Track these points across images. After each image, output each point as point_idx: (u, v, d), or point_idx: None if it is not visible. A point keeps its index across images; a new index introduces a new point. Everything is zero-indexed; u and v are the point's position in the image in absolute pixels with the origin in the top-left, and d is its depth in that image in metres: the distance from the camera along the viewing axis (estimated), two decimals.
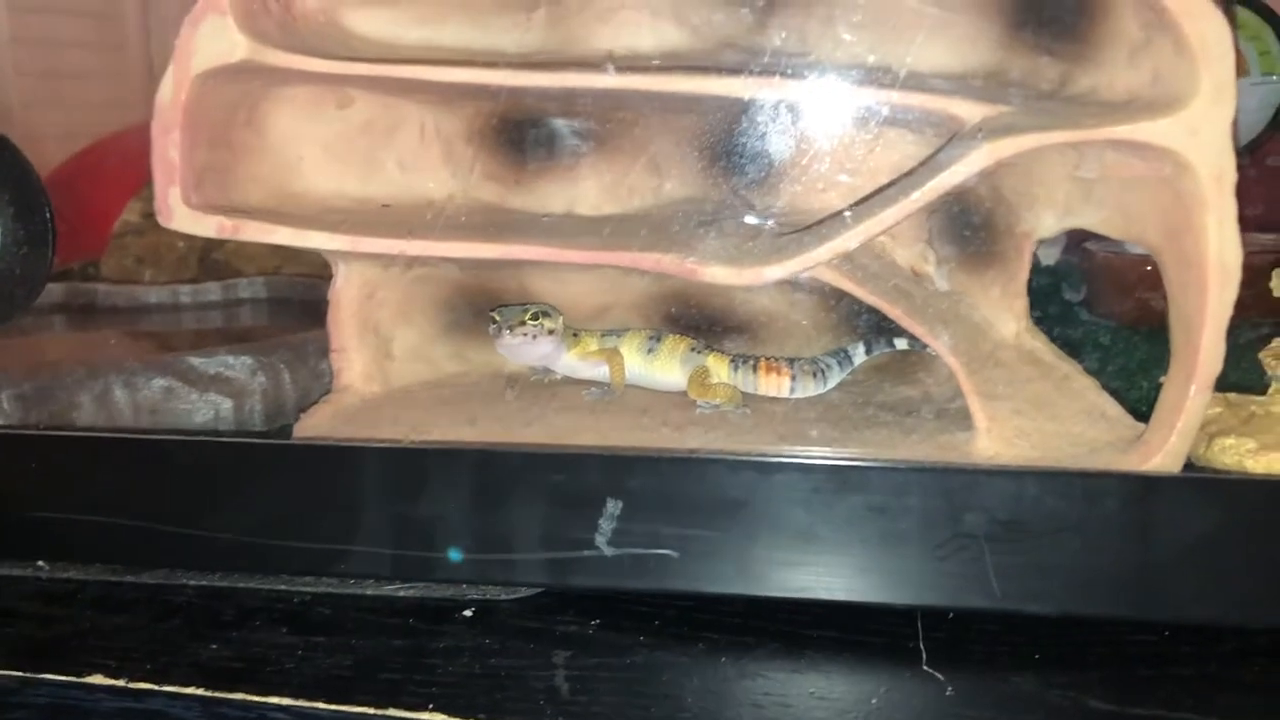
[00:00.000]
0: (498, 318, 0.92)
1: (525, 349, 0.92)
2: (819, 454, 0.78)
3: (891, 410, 0.87)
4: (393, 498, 0.81)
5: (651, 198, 0.94)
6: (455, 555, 0.80)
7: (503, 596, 0.81)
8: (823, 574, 0.76)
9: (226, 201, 0.86)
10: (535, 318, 0.91)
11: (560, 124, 0.94)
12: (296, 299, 1.32)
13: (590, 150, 0.95)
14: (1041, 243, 0.88)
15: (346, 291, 0.94)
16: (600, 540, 0.78)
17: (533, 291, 1.00)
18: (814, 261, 0.77)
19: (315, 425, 0.88)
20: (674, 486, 0.77)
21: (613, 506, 0.78)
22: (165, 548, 0.84)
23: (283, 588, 0.81)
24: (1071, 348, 0.89)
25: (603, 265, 0.83)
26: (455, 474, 0.80)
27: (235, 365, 0.96)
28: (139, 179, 1.60)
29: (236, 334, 1.25)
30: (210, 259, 1.44)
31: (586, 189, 0.95)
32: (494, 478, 0.80)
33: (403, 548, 0.81)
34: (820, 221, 0.84)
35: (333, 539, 0.81)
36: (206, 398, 0.95)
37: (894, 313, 0.81)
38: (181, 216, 0.81)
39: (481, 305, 1.00)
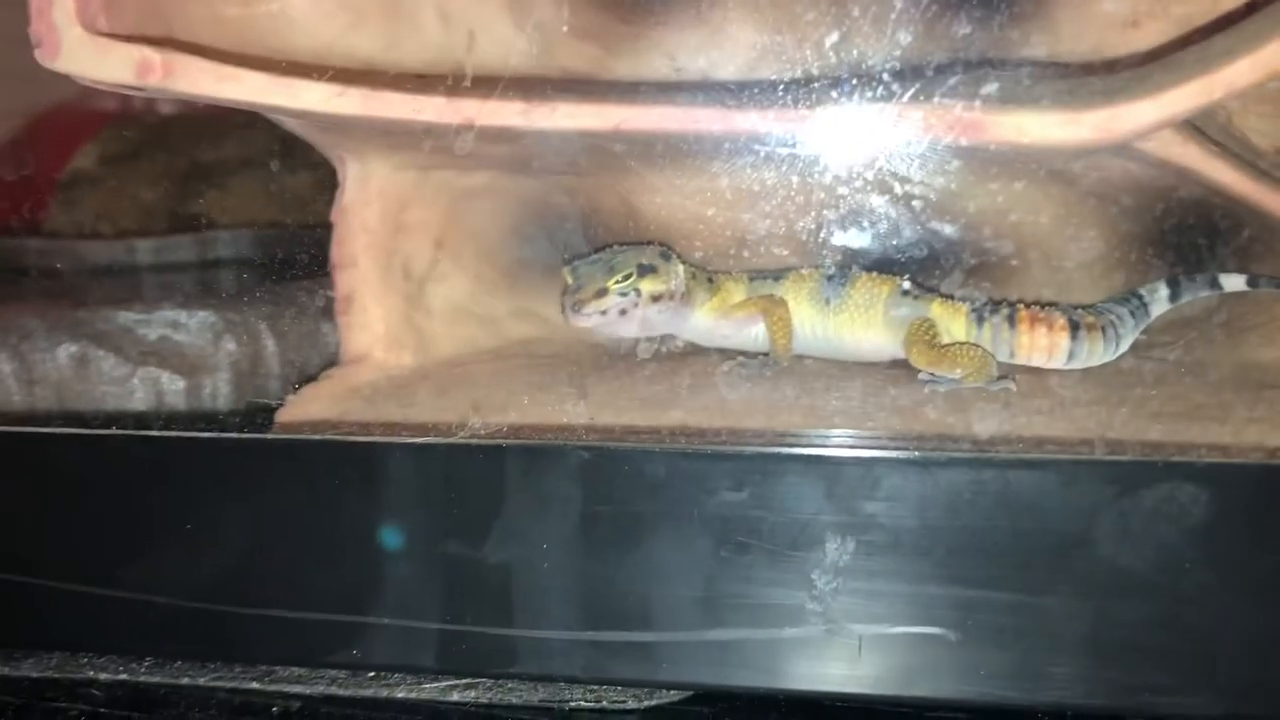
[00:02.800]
0: (569, 279, 0.57)
1: (618, 327, 0.59)
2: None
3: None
4: (439, 530, 0.47)
5: (833, 56, 0.59)
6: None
7: (630, 704, 0.46)
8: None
9: (163, 37, 0.51)
10: (627, 279, 0.57)
11: None
12: (298, 259, 0.97)
13: None
14: None
15: (360, 206, 0.60)
16: (814, 607, 0.43)
17: (643, 215, 0.65)
18: (1207, 97, 0.42)
19: (311, 409, 0.54)
20: (956, 511, 0.42)
21: (836, 548, 0.43)
22: (60, 618, 0.50)
23: (254, 686, 0.47)
24: None
25: (796, 139, 0.48)
26: (550, 486, 0.46)
27: (190, 326, 0.62)
28: (96, 121, 1.26)
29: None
30: (185, 211, 1.09)
31: (734, 40, 0.60)
32: (616, 492, 0.45)
33: (455, 619, 0.47)
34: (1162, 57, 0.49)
35: (338, 603, 0.48)
36: (143, 373, 0.60)
37: None
38: (75, 45, 0.47)
39: (564, 234, 0.65)
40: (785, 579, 0.44)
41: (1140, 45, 0.56)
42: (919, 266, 0.57)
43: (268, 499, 0.50)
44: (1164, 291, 0.62)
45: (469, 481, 0.47)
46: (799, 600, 0.44)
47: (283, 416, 0.55)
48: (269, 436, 0.53)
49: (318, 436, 0.50)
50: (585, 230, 0.65)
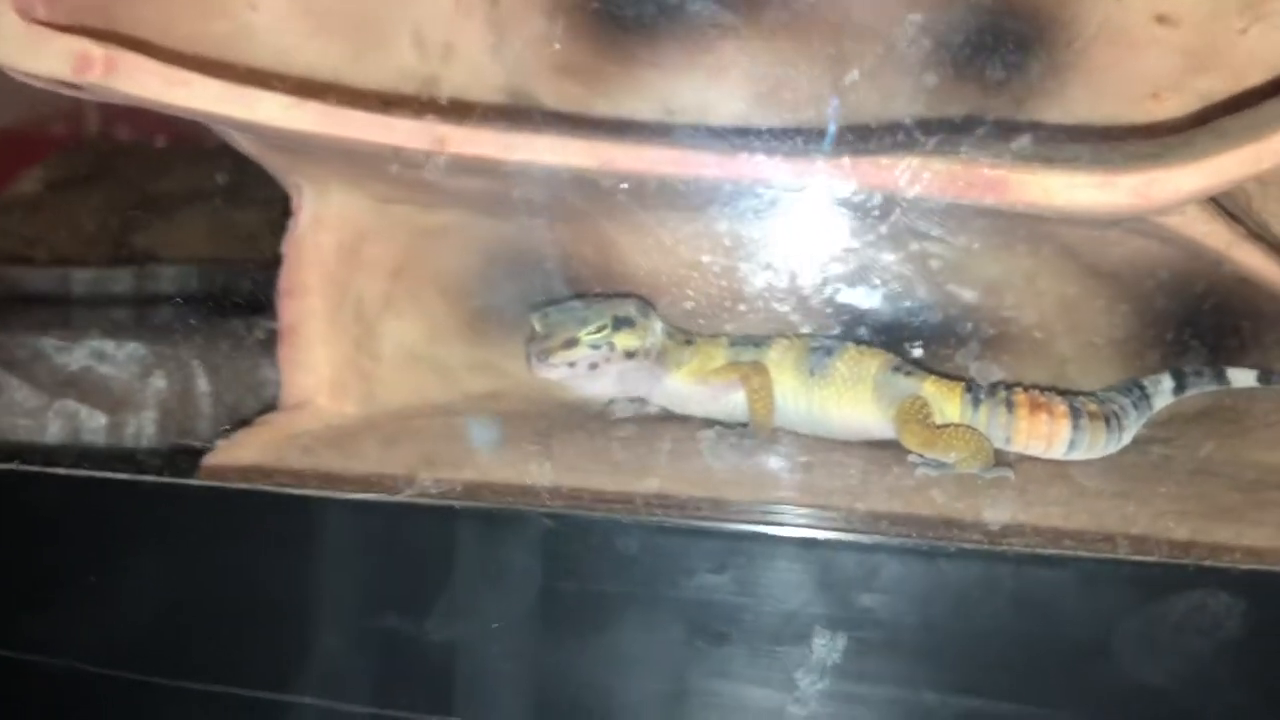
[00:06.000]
0: (537, 327, 0.53)
1: (586, 382, 0.55)
2: None
3: None
4: (376, 599, 0.41)
5: (848, 99, 0.55)
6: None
7: None
8: None
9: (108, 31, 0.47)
10: (600, 330, 0.53)
11: None
12: (241, 296, 0.91)
13: (738, 23, 0.56)
14: None
15: (314, 235, 0.55)
16: (796, 710, 0.38)
17: (628, 263, 0.60)
18: (1255, 166, 0.38)
19: (242, 455, 0.48)
20: (962, 608, 0.38)
21: (825, 644, 0.38)
22: None
23: None
24: None
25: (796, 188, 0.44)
26: (506, 555, 0.41)
27: (116, 357, 0.56)
28: (43, 144, 1.20)
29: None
30: (129, 242, 1.03)
31: (728, 86, 0.56)
32: (581, 566, 0.40)
33: (388, 703, 0.41)
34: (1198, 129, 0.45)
35: (255, 677, 0.42)
36: (59, 407, 0.54)
37: None
38: (7, 32, 0.42)
39: (530, 282, 0.60)
40: (766, 676, 0.39)
41: (1158, 118, 0.53)
42: (932, 333, 0.53)
43: (185, 553, 0.44)
44: (1168, 384, 0.59)
45: (413, 545, 0.42)
46: (780, 702, 0.39)
47: (210, 461, 0.50)
48: (191, 482, 0.47)
49: (246, 486, 0.45)
50: (561, 278, 0.60)
